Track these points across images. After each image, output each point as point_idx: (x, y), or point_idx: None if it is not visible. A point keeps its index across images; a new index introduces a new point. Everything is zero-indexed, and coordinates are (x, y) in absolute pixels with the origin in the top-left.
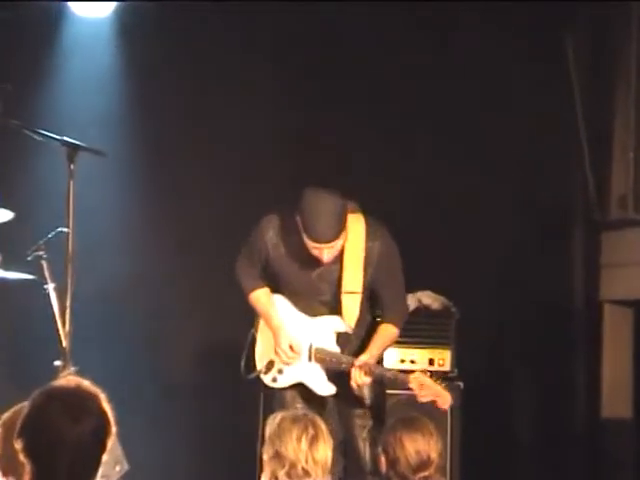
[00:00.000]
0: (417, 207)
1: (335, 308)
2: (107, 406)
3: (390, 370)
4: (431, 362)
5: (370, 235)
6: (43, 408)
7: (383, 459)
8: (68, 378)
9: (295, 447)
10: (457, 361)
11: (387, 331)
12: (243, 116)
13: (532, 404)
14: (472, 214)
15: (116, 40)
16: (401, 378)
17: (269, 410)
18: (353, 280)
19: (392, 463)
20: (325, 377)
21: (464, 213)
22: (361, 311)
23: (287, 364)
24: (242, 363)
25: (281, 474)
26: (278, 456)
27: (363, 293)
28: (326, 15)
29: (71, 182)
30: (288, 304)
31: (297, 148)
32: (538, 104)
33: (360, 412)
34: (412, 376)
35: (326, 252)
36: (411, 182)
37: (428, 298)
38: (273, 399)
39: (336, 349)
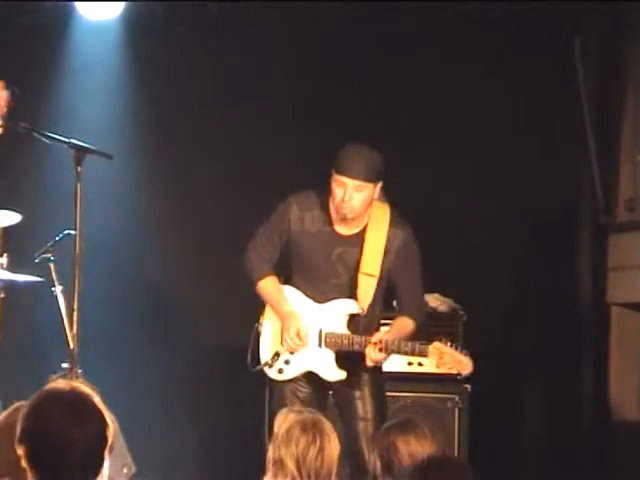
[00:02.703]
0: (424, 210)
1: (348, 293)
2: (102, 404)
3: (407, 343)
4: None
5: (393, 223)
6: (44, 413)
7: (378, 463)
8: (59, 381)
9: (299, 459)
10: None
11: (403, 323)
12: (253, 117)
13: (539, 406)
14: (479, 217)
15: (124, 42)
16: (420, 349)
17: (274, 406)
18: (371, 263)
19: (386, 466)
20: (334, 363)
21: (472, 217)
22: (374, 296)
23: (292, 351)
24: (248, 357)
25: None
26: (282, 463)
27: (379, 279)
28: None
29: (78, 184)
30: (297, 293)
31: (311, 157)
32: (546, 108)
33: (362, 414)
34: (431, 346)
35: (349, 192)
36: (418, 185)
37: (436, 301)
38: (273, 397)
39: (346, 333)
